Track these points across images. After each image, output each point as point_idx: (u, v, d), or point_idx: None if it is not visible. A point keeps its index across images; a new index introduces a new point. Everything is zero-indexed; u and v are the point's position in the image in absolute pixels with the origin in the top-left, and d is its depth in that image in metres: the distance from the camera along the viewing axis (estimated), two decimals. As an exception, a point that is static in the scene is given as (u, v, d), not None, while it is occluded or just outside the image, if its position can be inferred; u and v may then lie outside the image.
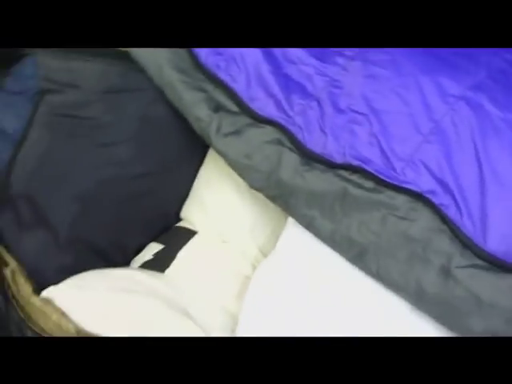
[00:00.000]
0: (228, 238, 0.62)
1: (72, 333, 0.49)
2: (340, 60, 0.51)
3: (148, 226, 0.63)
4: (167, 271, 0.60)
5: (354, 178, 0.47)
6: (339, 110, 0.49)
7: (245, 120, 0.52)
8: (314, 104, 0.50)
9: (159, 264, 0.60)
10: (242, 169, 0.53)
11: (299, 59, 0.52)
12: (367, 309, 0.49)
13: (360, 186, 0.46)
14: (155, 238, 0.63)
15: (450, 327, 0.43)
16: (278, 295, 0.53)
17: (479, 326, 0.41)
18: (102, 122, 0.56)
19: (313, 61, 0.51)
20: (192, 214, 0.64)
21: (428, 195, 0.43)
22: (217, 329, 0.56)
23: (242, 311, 0.54)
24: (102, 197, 0.58)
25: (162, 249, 0.62)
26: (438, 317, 0.44)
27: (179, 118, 0.57)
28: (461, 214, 0.42)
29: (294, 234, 0.53)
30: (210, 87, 0.54)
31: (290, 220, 0.54)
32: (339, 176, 0.47)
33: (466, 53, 0.50)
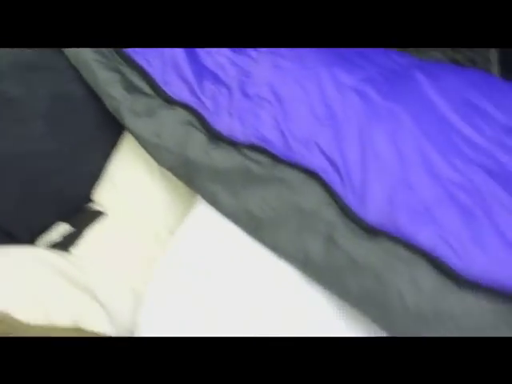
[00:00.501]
0: (138, 218, 0.63)
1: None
2: (253, 53, 0.55)
3: (57, 206, 0.62)
4: (73, 251, 0.59)
5: (256, 156, 0.50)
6: (247, 96, 0.53)
7: (158, 101, 0.54)
8: (225, 90, 0.54)
9: (65, 243, 0.60)
10: (153, 148, 0.55)
11: (215, 50, 0.56)
12: (269, 284, 0.51)
13: (260, 164, 0.50)
14: (63, 218, 0.63)
15: (332, 291, 0.48)
16: (183, 276, 0.54)
17: (355, 287, 0.45)
18: (13, 96, 0.56)
19: (227, 52, 0.55)
20: (103, 194, 0.65)
21: (319, 172, 0.48)
22: (125, 311, 0.56)
23: (146, 292, 0.55)
24: (10, 172, 0.58)
25: (70, 228, 0.62)
26: (324, 282, 0.48)
27: (95, 99, 0.58)
28: (345, 189, 0.47)
29: (201, 212, 0.56)
30: (126, 70, 0.56)
31: (199, 199, 0.57)
32: (243, 155, 0.51)
33: (364, 53, 0.56)
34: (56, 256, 0.57)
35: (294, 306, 0.50)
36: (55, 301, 0.51)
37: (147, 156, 0.57)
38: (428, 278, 0.43)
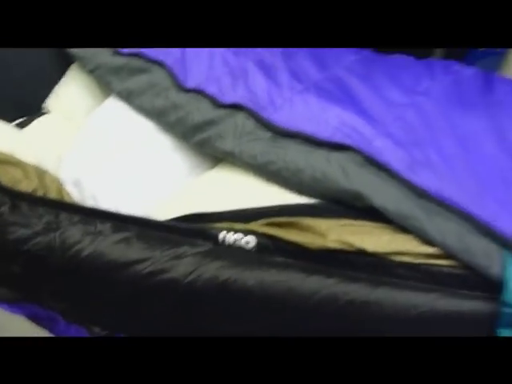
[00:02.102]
0: (72, 116, 0.91)
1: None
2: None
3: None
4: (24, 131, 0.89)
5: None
6: None
7: None
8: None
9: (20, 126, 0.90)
10: (81, 58, 0.87)
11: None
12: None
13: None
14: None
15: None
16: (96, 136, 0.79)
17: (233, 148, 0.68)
18: None
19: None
20: (49, 101, 0.95)
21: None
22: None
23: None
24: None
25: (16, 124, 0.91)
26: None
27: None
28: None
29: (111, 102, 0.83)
30: None
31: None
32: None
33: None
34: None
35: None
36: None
37: (86, 80, 0.90)
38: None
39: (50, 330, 0.75)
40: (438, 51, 1.11)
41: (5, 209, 0.66)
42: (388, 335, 0.53)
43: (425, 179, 0.58)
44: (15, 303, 0.73)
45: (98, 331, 0.68)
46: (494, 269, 0.53)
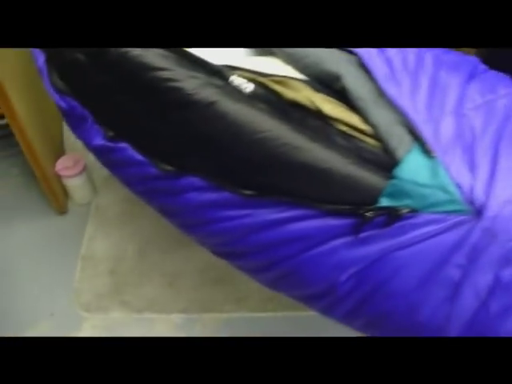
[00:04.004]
0: None
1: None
2: None
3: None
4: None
5: None
6: None
7: None
8: None
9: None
10: None
11: None
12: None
13: None
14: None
15: None
16: None
17: None
18: None
19: None
20: None
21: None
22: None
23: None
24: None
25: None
26: None
27: None
28: None
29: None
30: None
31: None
32: None
33: None
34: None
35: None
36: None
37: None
38: None
39: (76, 129, 0.91)
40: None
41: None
42: (295, 184, 0.70)
43: (388, 86, 0.74)
44: (63, 95, 0.87)
45: (111, 135, 0.83)
46: (400, 151, 0.67)
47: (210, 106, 0.72)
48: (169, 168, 0.78)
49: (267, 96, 0.75)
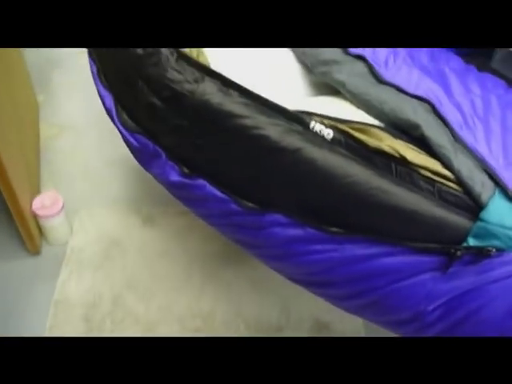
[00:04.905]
0: None
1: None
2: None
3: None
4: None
5: None
6: None
7: None
8: None
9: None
10: None
11: None
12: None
13: None
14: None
15: None
16: None
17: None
18: None
19: None
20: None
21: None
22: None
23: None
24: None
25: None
26: None
27: None
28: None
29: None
30: None
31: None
32: None
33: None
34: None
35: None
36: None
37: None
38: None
39: (148, 165, 0.95)
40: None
41: (172, 58, 0.84)
42: (382, 223, 0.74)
43: (464, 134, 0.81)
44: (134, 133, 0.92)
45: (186, 172, 0.87)
46: (484, 196, 0.73)
47: (296, 151, 0.77)
48: (250, 205, 0.82)
49: (348, 142, 0.79)
